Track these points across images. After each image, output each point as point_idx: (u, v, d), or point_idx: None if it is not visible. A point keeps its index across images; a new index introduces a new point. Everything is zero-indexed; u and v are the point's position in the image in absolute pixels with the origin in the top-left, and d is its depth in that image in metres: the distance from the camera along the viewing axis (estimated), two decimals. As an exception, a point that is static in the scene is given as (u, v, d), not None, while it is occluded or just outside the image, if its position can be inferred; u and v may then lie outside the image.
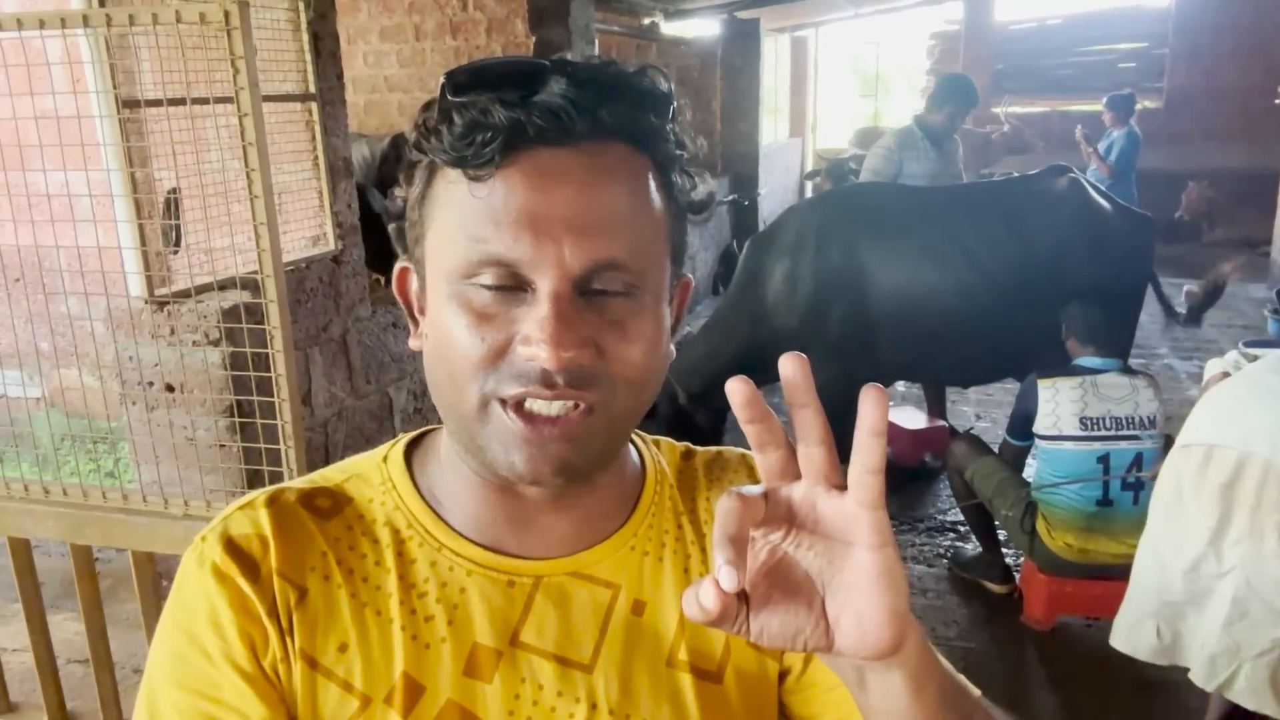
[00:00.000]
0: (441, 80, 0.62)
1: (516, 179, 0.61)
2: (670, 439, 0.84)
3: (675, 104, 0.66)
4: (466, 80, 0.62)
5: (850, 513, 0.52)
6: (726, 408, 3.46)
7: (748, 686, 0.74)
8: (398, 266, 0.72)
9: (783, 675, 0.77)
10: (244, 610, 0.65)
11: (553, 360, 0.59)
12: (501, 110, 0.60)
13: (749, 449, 0.84)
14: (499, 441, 0.63)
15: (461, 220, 0.62)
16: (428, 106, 0.64)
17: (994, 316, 3.46)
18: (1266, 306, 6.84)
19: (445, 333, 0.63)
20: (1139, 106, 11.24)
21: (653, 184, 0.65)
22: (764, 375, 4.22)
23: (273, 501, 0.69)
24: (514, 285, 0.61)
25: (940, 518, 4.03)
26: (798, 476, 0.54)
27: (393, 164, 7.11)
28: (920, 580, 3.52)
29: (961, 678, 0.76)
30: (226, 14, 1.54)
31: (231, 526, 0.68)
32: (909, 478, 4.33)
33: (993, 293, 3.46)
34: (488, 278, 0.61)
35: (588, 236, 0.61)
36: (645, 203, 0.64)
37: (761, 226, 8.45)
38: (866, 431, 0.50)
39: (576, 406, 0.62)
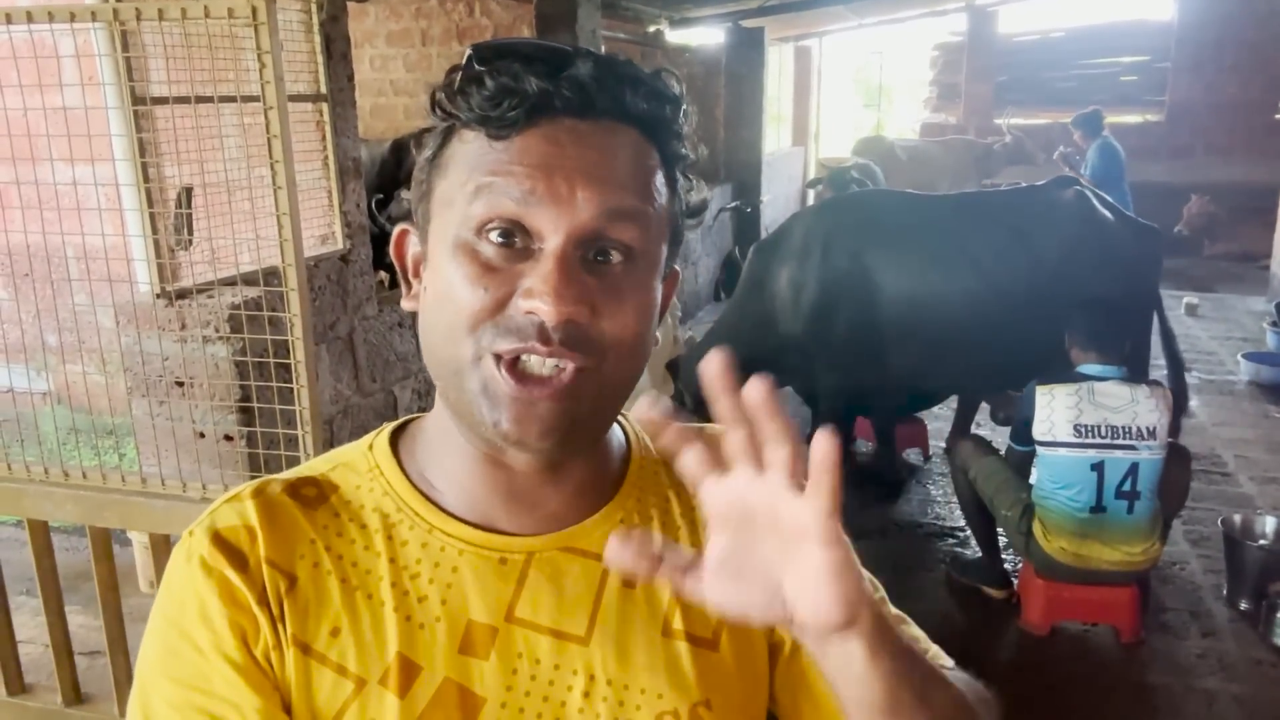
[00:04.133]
0: (468, 51, 0.65)
1: (535, 139, 0.63)
2: None
3: (685, 107, 0.69)
4: (494, 52, 0.65)
5: (806, 517, 0.54)
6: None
7: (742, 654, 0.75)
8: (398, 229, 0.74)
9: (773, 651, 0.78)
10: (233, 601, 0.65)
11: (554, 314, 0.61)
12: (533, 79, 0.63)
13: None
14: (488, 399, 0.64)
15: (474, 172, 0.64)
16: (453, 71, 0.66)
17: (1000, 326, 3.47)
18: (1266, 319, 6.87)
19: (447, 283, 0.64)
20: (1142, 119, 11.31)
21: (660, 172, 0.68)
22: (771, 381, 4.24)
23: (259, 493, 0.70)
24: (521, 242, 0.63)
25: (939, 523, 4.06)
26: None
27: (391, 170, 7.13)
28: (919, 585, 3.53)
29: (930, 649, 0.82)
30: (255, 9, 1.57)
31: (218, 520, 0.69)
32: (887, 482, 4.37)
33: (998, 302, 3.47)
34: (496, 231, 0.63)
35: (600, 183, 0.63)
36: (652, 181, 0.67)
37: (763, 234, 8.48)
38: (819, 467, 0.53)
39: (567, 368, 0.63)
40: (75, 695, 2.20)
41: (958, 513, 4.11)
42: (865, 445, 4.77)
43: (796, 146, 11.90)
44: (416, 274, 0.72)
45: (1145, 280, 3.73)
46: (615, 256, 0.65)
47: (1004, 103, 11.47)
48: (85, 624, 2.91)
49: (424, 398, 3.70)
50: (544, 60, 0.64)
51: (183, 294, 2.54)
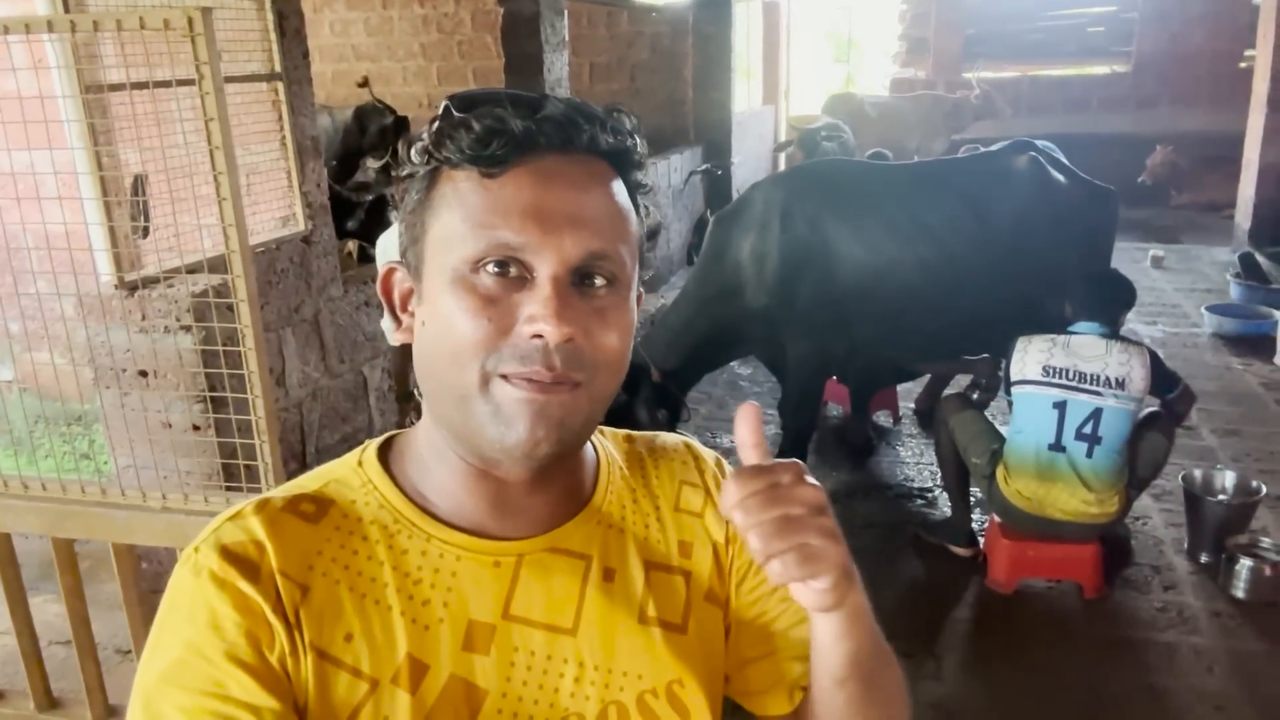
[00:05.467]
0: (445, 101, 0.73)
1: (525, 177, 0.70)
2: (613, 428, 0.93)
3: (640, 140, 0.77)
4: (472, 101, 0.73)
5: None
6: (691, 385, 3.49)
7: (705, 635, 0.84)
8: (384, 266, 0.79)
9: (727, 631, 0.88)
10: (247, 610, 0.68)
11: (555, 334, 0.68)
12: (517, 120, 0.70)
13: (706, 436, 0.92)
14: (502, 414, 0.70)
15: (470, 213, 0.70)
16: (433, 121, 0.73)
17: (958, 294, 3.50)
18: (1229, 270, 6.95)
19: (448, 317, 0.70)
20: (1109, 70, 11.32)
21: (628, 200, 0.76)
22: (735, 350, 4.26)
23: (261, 509, 0.74)
24: (517, 273, 0.70)
25: (908, 484, 4.12)
26: None
27: (355, 136, 7.02)
28: (889, 545, 3.60)
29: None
30: (190, 20, 1.54)
31: (224, 536, 0.72)
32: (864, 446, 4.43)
33: (955, 270, 3.49)
34: (493, 264, 0.69)
35: (584, 229, 0.70)
36: (623, 211, 0.75)
37: (735, 196, 8.44)
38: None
39: (570, 385, 0.70)
40: (48, 701, 2.21)
41: (926, 473, 4.18)
42: (837, 409, 4.82)
43: (767, 105, 11.80)
44: (405, 308, 0.78)
45: (1102, 242, 3.78)
46: (600, 281, 0.72)
47: (972, 56, 11.43)
48: (62, 613, 2.91)
49: (394, 377, 3.69)
50: (522, 104, 0.72)
51: (143, 283, 2.51)
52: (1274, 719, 2.63)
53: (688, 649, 0.81)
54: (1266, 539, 3.33)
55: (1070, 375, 3.02)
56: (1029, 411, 3.09)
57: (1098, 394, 3.01)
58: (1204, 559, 3.38)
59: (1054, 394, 3.04)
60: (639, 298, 0.81)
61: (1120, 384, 3.00)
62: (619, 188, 0.75)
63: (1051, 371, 3.04)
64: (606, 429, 0.91)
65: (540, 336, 0.68)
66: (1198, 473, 3.61)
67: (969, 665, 2.90)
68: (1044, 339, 3.11)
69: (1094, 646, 2.98)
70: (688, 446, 0.92)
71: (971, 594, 3.28)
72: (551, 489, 0.79)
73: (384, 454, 0.81)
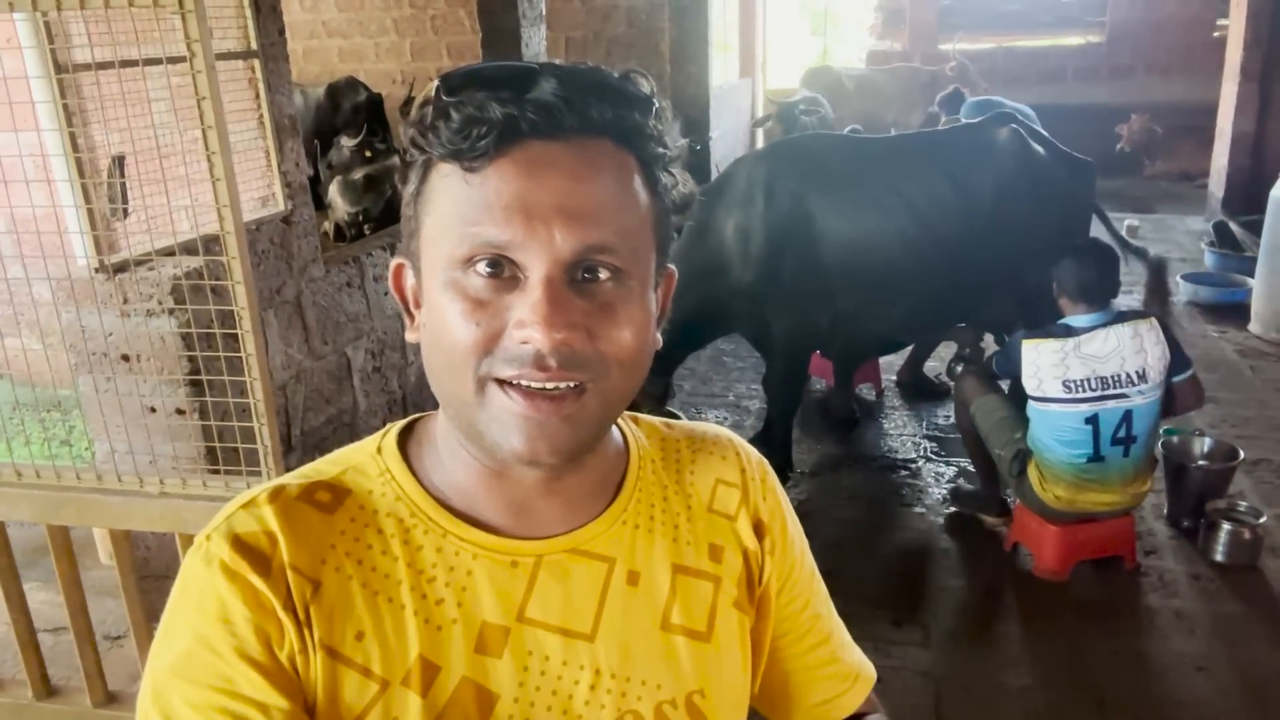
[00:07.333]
0: (435, 82, 0.66)
1: (510, 169, 0.64)
2: (650, 416, 0.89)
3: (657, 105, 0.70)
4: (461, 81, 0.66)
5: None
6: (676, 363, 3.49)
7: (729, 646, 0.80)
8: (394, 263, 0.76)
9: (754, 646, 0.85)
10: (258, 605, 0.66)
11: (545, 341, 0.62)
12: (497, 106, 0.63)
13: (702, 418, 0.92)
14: (498, 423, 0.66)
15: (455, 209, 0.65)
16: (423, 105, 0.67)
17: (938, 267, 3.51)
18: (1204, 239, 7.01)
19: (441, 320, 0.66)
20: (1083, 41, 11.34)
21: (638, 178, 0.69)
22: (720, 327, 4.25)
23: (275, 497, 0.71)
24: (507, 273, 0.64)
25: (892, 456, 4.15)
26: None
27: (328, 115, 6.93)
28: (874, 516, 3.63)
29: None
30: None
31: (237, 525, 0.69)
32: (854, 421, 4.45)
33: (935, 243, 3.50)
34: (482, 264, 0.64)
35: (577, 221, 0.64)
36: (630, 194, 0.68)
37: (715, 171, 8.41)
38: None
39: (571, 386, 0.65)
40: (45, 688, 2.19)
41: (909, 445, 4.21)
42: (820, 383, 4.84)
43: (744, 78, 11.74)
44: (417, 305, 0.73)
45: (1080, 213, 3.80)
46: (604, 273, 0.66)
47: (948, 27, 11.42)
48: (48, 600, 2.89)
49: (378, 357, 3.66)
50: (508, 84, 0.65)
51: (122, 266, 2.47)
52: (1253, 679, 2.68)
53: (712, 659, 0.78)
54: (1244, 503, 3.39)
55: (1093, 384, 2.92)
56: (1059, 429, 3.00)
57: (1124, 396, 2.92)
58: (1184, 524, 3.43)
59: (1083, 409, 2.94)
60: (669, 277, 0.77)
61: (1142, 376, 2.92)
62: (625, 167, 0.68)
63: (1073, 385, 2.93)
64: (642, 417, 0.87)
65: (529, 343, 0.63)
66: (1177, 438, 3.66)
67: (955, 632, 2.94)
68: (1052, 348, 2.96)
69: (1077, 611, 3.02)
70: (730, 442, 0.88)
71: (956, 562, 3.32)
72: (571, 490, 0.75)
73: (404, 440, 0.77)
